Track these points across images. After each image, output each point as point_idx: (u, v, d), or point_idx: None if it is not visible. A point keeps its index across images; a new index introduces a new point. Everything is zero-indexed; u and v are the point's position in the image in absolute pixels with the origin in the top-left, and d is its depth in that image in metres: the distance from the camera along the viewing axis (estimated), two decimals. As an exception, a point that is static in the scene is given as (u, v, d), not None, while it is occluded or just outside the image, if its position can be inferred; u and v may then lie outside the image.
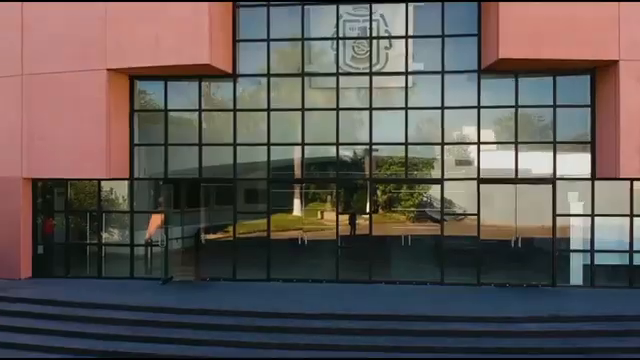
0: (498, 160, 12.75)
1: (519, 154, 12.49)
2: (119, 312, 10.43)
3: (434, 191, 13.01)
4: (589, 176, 12.35)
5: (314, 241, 13.20)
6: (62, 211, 13.69)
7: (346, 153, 13.26)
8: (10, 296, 11.48)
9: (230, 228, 13.22)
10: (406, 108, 12.71)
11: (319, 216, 13.68)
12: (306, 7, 13.07)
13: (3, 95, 13.14)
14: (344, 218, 13.08)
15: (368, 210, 12.98)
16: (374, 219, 12.91)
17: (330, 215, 13.20)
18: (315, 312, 10.07)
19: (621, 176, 11.46)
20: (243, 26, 13.23)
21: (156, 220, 13.42)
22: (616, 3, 11.31)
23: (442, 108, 12.64)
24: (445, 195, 12.69)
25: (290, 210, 13.85)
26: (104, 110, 12.45)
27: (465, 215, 12.82)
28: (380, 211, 13.42)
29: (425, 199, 13.42)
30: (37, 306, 10.92)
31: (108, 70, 12.40)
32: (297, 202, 13.80)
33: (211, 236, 13.86)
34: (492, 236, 12.68)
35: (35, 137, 12.79)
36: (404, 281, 12.64)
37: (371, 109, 12.83)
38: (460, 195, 12.97)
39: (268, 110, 13.04)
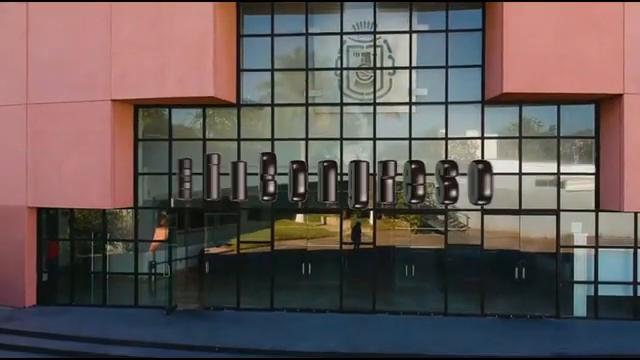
0: (502, 188, 12.73)
1: (523, 184, 12.54)
2: (122, 348, 10.43)
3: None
4: (593, 207, 12.35)
5: (318, 261, 13.11)
6: (67, 239, 13.83)
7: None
8: (13, 328, 11.52)
9: (234, 248, 13.26)
10: (410, 139, 12.73)
11: (322, 221, 13.71)
12: (310, 36, 13.12)
13: (8, 123, 13.20)
14: (348, 234, 13.19)
15: (372, 241, 12.99)
16: (378, 226, 13.06)
17: (333, 223, 13.27)
18: (320, 350, 10.09)
19: (625, 210, 11.39)
20: (247, 54, 13.26)
21: (160, 235, 13.55)
22: (620, 37, 11.27)
23: (446, 139, 12.70)
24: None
25: (294, 220, 13.84)
26: (109, 140, 12.46)
27: (469, 246, 12.78)
28: (383, 217, 13.38)
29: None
30: (40, 340, 10.94)
31: (113, 101, 12.42)
32: (300, 216, 13.81)
33: (214, 251, 13.68)
34: (496, 265, 12.68)
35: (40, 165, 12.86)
36: (408, 311, 12.63)
37: (375, 139, 12.88)
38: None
39: (272, 140, 13.07)
